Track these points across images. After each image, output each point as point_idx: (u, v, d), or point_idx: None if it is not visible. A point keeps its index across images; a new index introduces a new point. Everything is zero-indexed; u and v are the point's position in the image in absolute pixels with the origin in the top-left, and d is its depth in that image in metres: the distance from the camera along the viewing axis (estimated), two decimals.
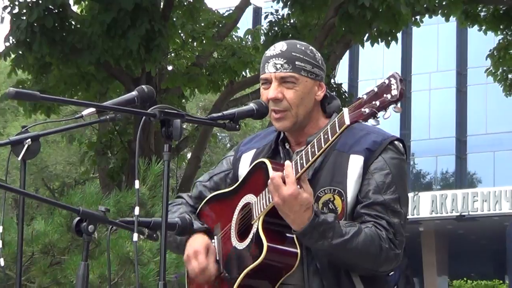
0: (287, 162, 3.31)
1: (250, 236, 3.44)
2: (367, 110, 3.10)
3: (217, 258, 3.59)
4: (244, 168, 3.69)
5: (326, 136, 3.21)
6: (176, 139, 3.31)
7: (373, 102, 3.09)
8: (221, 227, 3.64)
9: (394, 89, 3.05)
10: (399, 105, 3.08)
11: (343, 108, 3.16)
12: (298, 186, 3.25)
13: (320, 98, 3.58)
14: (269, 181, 3.27)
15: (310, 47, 3.59)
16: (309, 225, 3.24)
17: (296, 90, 3.49)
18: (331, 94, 3.64)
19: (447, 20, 20.61)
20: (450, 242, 52.94)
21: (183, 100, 19.00)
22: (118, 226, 3.48)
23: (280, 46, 3.55)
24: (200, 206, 3.81)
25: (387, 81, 3.08)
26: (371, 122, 3.12)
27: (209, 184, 3.85)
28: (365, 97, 3.12)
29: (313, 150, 3.25)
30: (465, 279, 24.74)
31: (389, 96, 3.06)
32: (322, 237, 3.26)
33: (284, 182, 3.22)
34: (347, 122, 3.14)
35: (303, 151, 3.29)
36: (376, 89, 3.11)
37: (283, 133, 3.64)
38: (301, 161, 3.27)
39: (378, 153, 3.45)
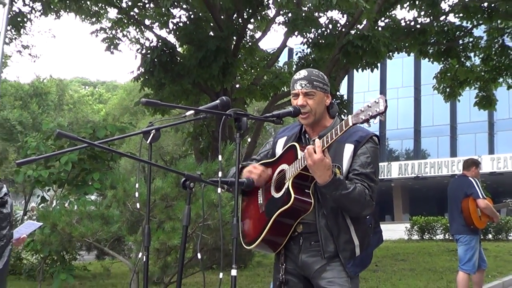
0: (317, 140, 3.26)
1: (283, 190, 3.40)
2: (363, 117, 3.06)
3: (261, 202, 3.55)
4: (279, 148, 3.68)
5: (336, 131, 3.18)
6: (243, 130, 3.30)
7: (367, 113, 3.06)
8: (264, 183, 3.61)
9: (381, 105, 3.02)
10: (383, 115, 3.05)
11: (348, 115, 3.13)
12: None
13: (328, 104, 3.57)
14: (305, 150, 3.23)
15: (321, 73, 3.59)
16: (331, 181, 3.21)
17: (314, 99, 3.49)
18: (332, 102, 3.61)
19: (408, 55, 20.82)
20: (410, 193, 52.72)
21: (246, 106, 18.95)
22: (208, 183, 3.46)
23: (304, 73, 3.54)
24: None
25: (377, 100, 3.04)
26: (365, 125, 3.11)
27: (258, 157, 3.84)
28: (362, 109, 3.09)
29: (327, 140, 3.22)
30: (419, 216, 24.66)
31: (377, 109, 3.03)
32: (336, 189, 3.23)
33: (315, 152, 3.19)
34: (350, 123, 3.12)
35: (324, 137, 3.24)
36: (370, 104, 3.07)
37: (304, 128, 3.64)
38: (323, 143, 3.24)
39: (363, 143, 3.43)
